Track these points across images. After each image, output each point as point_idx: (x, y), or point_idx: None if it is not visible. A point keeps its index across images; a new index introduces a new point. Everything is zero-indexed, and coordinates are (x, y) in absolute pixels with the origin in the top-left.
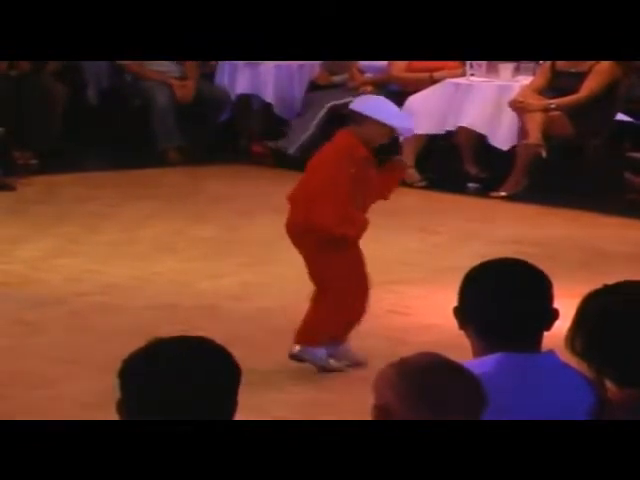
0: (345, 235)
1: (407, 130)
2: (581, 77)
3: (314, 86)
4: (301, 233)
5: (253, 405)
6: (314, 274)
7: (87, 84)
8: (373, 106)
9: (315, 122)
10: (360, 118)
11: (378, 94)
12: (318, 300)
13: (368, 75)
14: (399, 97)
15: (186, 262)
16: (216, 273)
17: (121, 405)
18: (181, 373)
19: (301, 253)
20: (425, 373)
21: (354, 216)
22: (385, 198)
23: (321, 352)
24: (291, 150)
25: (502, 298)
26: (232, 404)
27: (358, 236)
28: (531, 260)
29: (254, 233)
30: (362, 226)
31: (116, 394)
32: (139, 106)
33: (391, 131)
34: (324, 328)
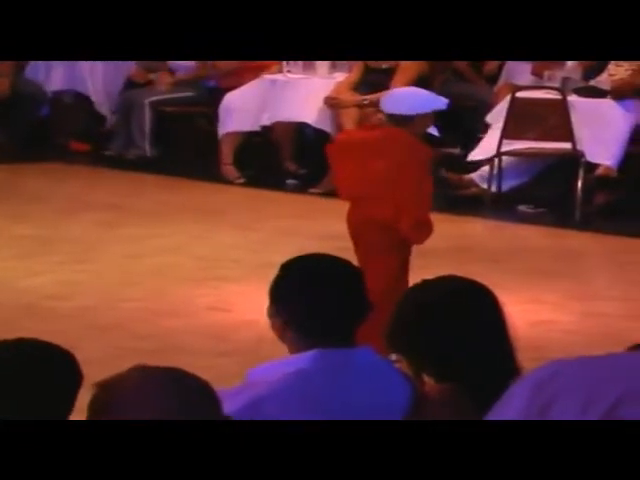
0: (419, 241)
1: (443, 105)
2: (391, 72)
3: (131, 84)
4: (367, 230)
5: (80, 405)
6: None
7: None
8: (412, 102)
9: (146, 124)
10: (406, 118)
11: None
12: None
13: (179, 74)
14: (216, 94)
15: (3, 261)
16: (34, 272)
17: None
18: (20, 376)
19: (358, 251)
20: (132, 387)
21: (430, 222)
22: None
23: None
24: (131, 155)
25: (311, 293)
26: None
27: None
28: (349, 255)
29: (72, 231)
30: (431, 231)
31: None
32: None
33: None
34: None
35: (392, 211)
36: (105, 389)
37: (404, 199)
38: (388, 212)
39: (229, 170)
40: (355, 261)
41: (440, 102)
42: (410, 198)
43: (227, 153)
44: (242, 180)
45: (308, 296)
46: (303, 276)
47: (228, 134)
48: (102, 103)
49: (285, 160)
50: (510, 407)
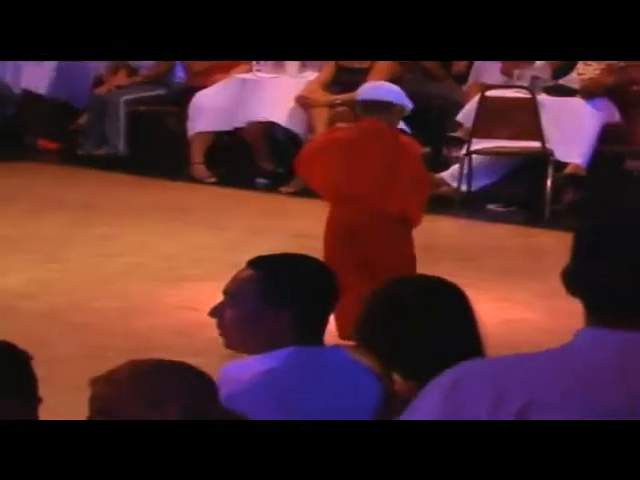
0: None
1: (410, 106)
2: (364, 73)
3: (100, 81)
4: (378, 225)
5: (45, 404)
6: (383, 262)
7: None
8: (394, 92)
9: (120, 122)
10: (386, 106)
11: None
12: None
13: (143, 72)
14: (186, 92)
15: None
16: (4, 271)
17: None
18: None
19: (368, 247)
20: (136, 377)
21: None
22: None
23: None
24: (103, 151)
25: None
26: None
27: None
28: (319, 254)
29: (43, 231)
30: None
31: None
32: None
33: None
34: None
35: (401, 201)
36: (102, 384)
37: (411, 187)
38: (398, 203)
39: (199, 169)
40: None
41: (409, 102)
42: (415, 185)
43: (197, 152)
44: (213, 179)
45: (315, 295)
46: (300, 276)
47: (199, 133)
48: (69, 102)
49: (260, 159)
50: (423, 411)
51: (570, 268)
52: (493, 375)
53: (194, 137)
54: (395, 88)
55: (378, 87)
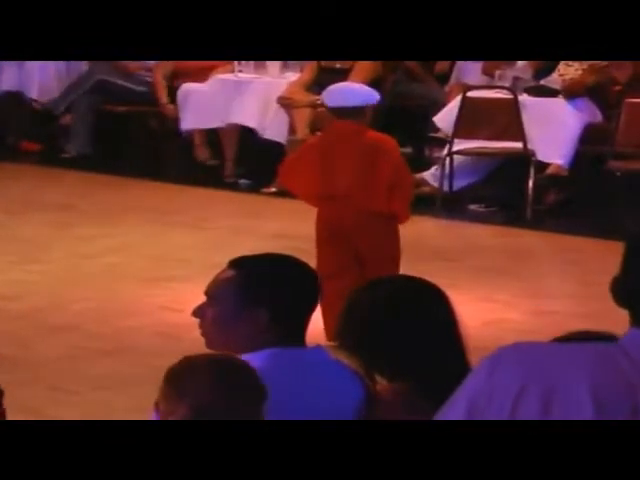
0: (406, 219)
1: (378, 98)
2: (345, 73)
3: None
4: (366, 223)
5: (27, 405)
6: (373, 259)
7: None
8: (362, 94)
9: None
10: (358, 109)
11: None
12: None
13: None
14: (169, 93)
15: None
16: None
17: None
18: None
19: (359, 242)
20: (185, 373)
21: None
22: None
23: None
24: (72, 153)
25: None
26: None
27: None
28: (301, 255)
29: (23, 231)
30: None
31: None
32: None
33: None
34: None
35: (385, 198)
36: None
37: (393, 183)
38: (382, 200)
39: (201, 151)
40: (312, 260)
41: (376, 96)
42: (398, 181)
43: (200, 134)
44: (214, 161)
45: (295, 293)
46: (285, 275)
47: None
48: (52, 103)
49: (226, 160)
50: (468, 389)
51: (619, 278)
52: (524, 359)
53: (195, 134)
54: (362, 88)
55: (345, 91)
